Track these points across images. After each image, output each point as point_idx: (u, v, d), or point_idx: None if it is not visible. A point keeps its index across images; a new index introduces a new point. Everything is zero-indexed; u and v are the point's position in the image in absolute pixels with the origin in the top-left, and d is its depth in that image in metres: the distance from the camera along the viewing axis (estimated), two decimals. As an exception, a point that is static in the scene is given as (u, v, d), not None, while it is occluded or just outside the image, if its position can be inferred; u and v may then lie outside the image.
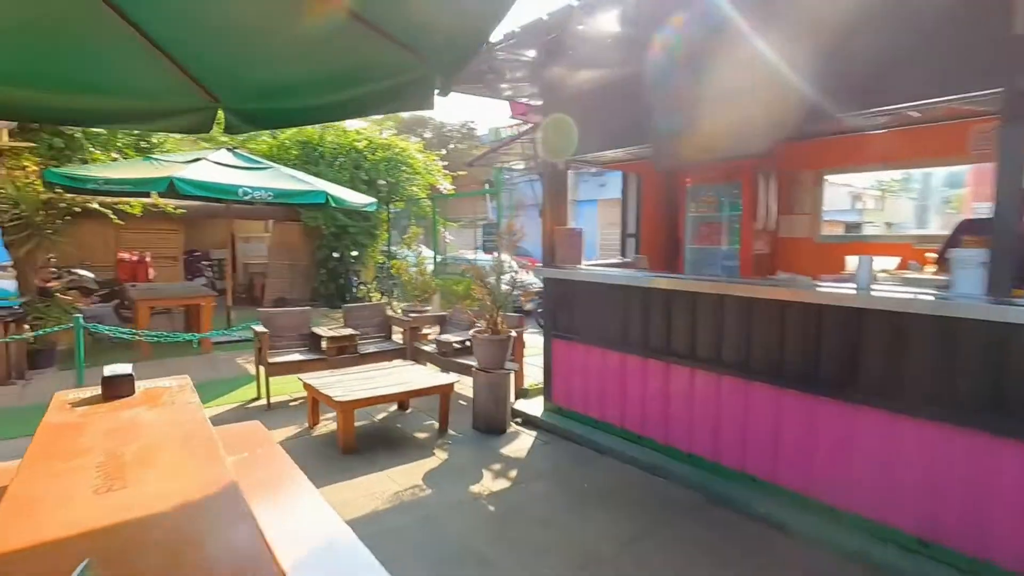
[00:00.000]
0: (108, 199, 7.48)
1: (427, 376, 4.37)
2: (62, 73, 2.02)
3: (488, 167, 10.91)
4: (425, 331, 6.24)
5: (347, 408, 3.77)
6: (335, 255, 11.60)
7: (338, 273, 11.80)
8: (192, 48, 1.93)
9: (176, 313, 8.45)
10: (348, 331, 5.39)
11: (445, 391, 4.28)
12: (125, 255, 9.19)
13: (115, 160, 7.02)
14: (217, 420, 4.67)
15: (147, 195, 6.26)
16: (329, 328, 5.52)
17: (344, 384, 4.08)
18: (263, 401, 4.98)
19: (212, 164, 6.81)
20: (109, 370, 2.38)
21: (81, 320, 4.40)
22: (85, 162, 6.79)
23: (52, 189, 6.23)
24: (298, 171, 8.22)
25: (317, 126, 11.86)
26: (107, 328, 4.79)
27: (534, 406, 4.75)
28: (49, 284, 8.51)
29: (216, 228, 13.87)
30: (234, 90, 2.17)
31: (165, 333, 4.93)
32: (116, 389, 2.34)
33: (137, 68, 2.00)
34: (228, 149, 7.62)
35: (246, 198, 6.28)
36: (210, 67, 2.08)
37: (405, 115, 23.24)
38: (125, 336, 4.69)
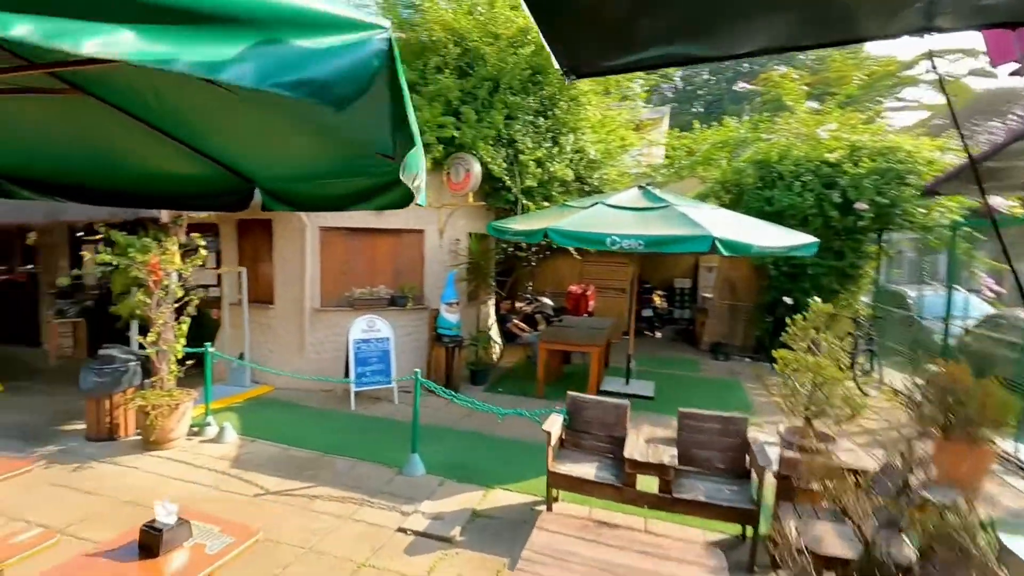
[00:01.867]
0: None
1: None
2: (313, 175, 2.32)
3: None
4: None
5: (516, 635, 2.31)
6: (787, 300, 9.09)
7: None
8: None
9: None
10: (667, 456, 3.65)
11: None
12: (574, 287, 10.22)
13: (543, 208, 7.67)
14: (487, 516, 4.01)
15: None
16: (646, 441, 3.93)
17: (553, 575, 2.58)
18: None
19: (604, 208, 6.33)
20: (160, 515, 2.07)
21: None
22: (514, 213, 7.72)
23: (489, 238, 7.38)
24: (706, 208, 6.68)
25: (780, 138, 9.60)
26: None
27: None
28: (519, 309, 10.47)
29: (682, 258, 13.78)
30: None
31: (470, 399, 4.76)
32: (147, 540, 1.99)
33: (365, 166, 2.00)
34: (640, 187, 6.97)
35: (614, 248, 5.43)
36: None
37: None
38: (439, 391, 4.81)
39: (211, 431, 5.34)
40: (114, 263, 4.84)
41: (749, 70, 24.47)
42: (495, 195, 7.85)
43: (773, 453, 3.75)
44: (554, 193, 7.93)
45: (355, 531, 3.77)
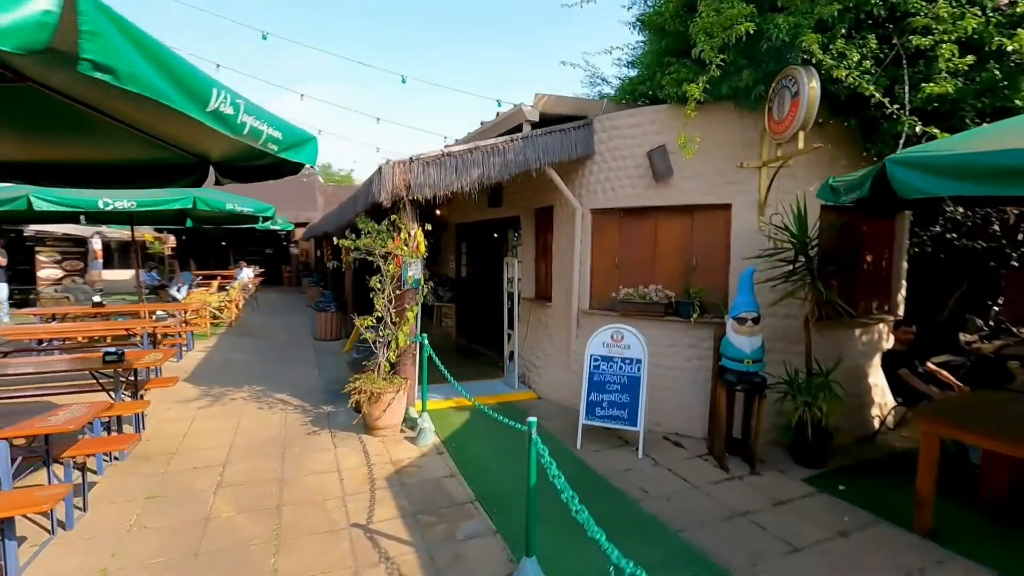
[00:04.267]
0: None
1: None
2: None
3: None
4: None
5: None
6: None
7: None
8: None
9: None
10: None
11: None
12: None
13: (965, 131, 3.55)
14: None
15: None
16: None
17: None
18: None
19: None
20: None
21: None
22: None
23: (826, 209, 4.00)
24: None
25: None
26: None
27: None
28: (971, 345, 5.76)
29: None
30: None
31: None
32: None
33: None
34: None
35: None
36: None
37: None
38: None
39: (418, 429, 4.96)
40: (352, 247, 5.11)
41: None
42: (865, 129, 4.37)
43: None
44: (1017, 102, 3.68)
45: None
